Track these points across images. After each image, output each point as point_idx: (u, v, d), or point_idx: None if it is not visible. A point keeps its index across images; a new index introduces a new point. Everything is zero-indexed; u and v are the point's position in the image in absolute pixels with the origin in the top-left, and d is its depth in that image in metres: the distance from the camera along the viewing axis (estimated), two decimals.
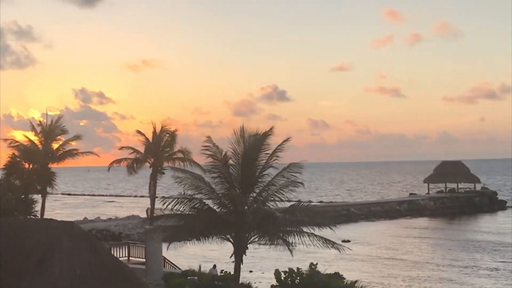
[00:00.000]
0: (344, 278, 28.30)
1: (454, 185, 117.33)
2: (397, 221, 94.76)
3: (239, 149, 27.64)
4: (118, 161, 54.88)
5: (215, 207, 27.69)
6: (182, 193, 27.29)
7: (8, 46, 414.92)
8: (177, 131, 54.80)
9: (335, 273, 28.43)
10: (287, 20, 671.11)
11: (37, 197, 45.56)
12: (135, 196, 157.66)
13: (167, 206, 26.77)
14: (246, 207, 27.37)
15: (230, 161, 27.72)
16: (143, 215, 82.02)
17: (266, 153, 27.69)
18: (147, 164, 54.18)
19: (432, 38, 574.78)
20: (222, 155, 27.53)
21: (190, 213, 27.35)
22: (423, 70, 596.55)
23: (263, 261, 54.78)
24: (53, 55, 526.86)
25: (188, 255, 54.80)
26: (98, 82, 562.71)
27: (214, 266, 39.09)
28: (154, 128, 54.30)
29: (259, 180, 27.85)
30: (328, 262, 50.59)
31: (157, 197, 50.17)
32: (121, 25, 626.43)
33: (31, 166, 48.82)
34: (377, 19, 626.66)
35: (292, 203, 28.22)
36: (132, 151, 54.59)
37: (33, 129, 51.11)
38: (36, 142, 50.58)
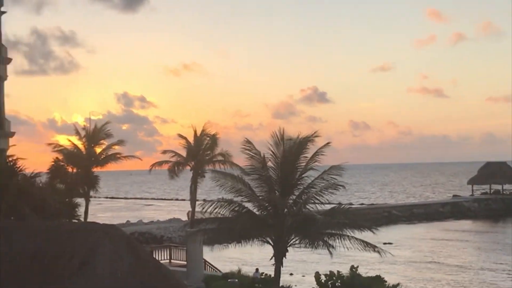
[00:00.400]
0: (386, 281, 28.02)
1: (499, 187, 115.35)
2: (439, 223, 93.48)
3: (278, 151, 27.61)
4: (160, 163, 55.30)
5: (254, 210, 27.70)
6: (222, 197, 27.39)
7: (52, 51, 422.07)
8: (218, 134, 55.04)
9: (376, 276, 28.16)
10: (327, 21, 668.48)
11: (81, 200, 46.21)
12: (176, 199, 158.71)
13: (207, 209, 26.88)
14: (285, 209, 27.31)
15: (270, 164, 27.70)
16: (184, 218, 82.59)
17: (305, 156, 27.61)
18: (188, 167, 54.48)
19: (475, 37, 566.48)
20: (263, 156, 27.52)
21: (230, 216, 27.42)
22: (467, 70, 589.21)
23: (304, 264, 54.61)
24: (95, 60, 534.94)
25: (228, 258, 54.96)
26: (140, 86, 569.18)
27: (257, 269, 39.11)
28: (195, 132, 54.64)
29: (299, 182, 27.77)
30: (369, 265, 50.17)
31: (197, 200, 50.46)
32: (162, 29, 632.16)
33: (74, 170, 49.53)
34: (419, 19, 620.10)
35: (332, 205, 28.08)
36: (174, 154, 54.98)
37: (77, 133, 51.99)
38: (80, 146, 51.40)
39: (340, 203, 30.53)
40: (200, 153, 53.88)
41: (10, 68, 36.21)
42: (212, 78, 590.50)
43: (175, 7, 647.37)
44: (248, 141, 27.78)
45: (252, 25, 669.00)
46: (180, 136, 55.48)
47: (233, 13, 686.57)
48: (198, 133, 54.53)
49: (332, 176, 27.32)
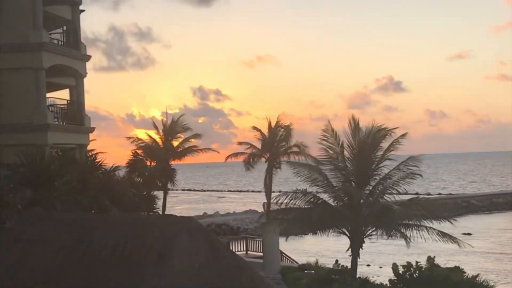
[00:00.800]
0: (465, 272, 27.35)
1: None
2: None
3: (354, 141, 27.37)
4: (235, 154, 55.61)
5: (330, 201, 27.58)
6: (297, 188, 27.39)
7: (129, 48, 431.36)
8: (292, 126, 54.78)
9: (455, 267, 27.49)
10: (401, 9, 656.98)
11: (159, 193, 46.93)
12: (252, 191, 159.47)
13: (283, 200, 26.93)
14: (362, 200, 27.09)
15: (346, 154, 27.51)
16: (260, 209, 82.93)
17: (381, 146, 27.29)
18: (263, 159, 54.57)
19: None
20: (339, 145, 27.33)
21: (305, 207, 27.39)
22: None
23: (381, 256, 53.96)
24: (171, 55, 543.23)
25: (305, 250, 54.86)
26: (215, 79, 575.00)
27: (336, 261, 38.90)
28: (269, 123, 54.57)
29: (375, 173, 27.49)
30: (447, 256, 49.12)
31: (273, 191, 50.51)
32: (235, 22, 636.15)
33: (152, 163, 50.30)
34: (496, 4, 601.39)
35: (409, 196, 27.69)
36: (249, 146, 55.13)
37: (154, 127, 52.79)
38: (158, 140, 52.13)
39: (417, 194, 30.05)
40: (275, 144, 53.83)
41: (89, 65, 37.15)
42: (286, 69, 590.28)
43: (249, 0, 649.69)
44: (327, 129, 27.59)
45: (326, 15, 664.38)
46: (255, 128, 55.59)
47: (306, 3, 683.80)
48: (273, 124, 54.45)
49: (408, 167, 26.93)
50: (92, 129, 35.63)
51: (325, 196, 27.66)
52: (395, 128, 27.24)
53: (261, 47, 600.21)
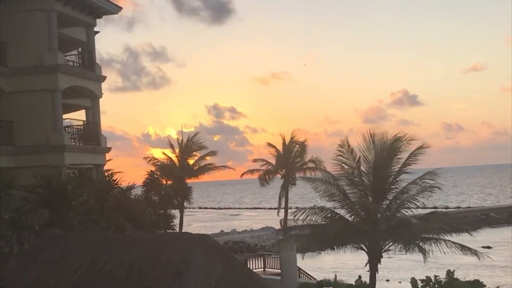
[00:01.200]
0: (485, 286, 27.04)
1: None
2: None
3: (370, 156, 27.24)
4: (251, 171, 55.73)
5: (347, 216, 27.41)
6: (314, 204, 27.28)
7: (144, 67, 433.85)
8: (307, 142, 54.92)
9: (475, 280, 27.18)
10: (416, 22, 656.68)
11: (175, 212, 46.94)
12: (270, 208, 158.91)
13: (299, 216, 26.80)
14: (379, 215, 26.89)
15: (362, 168, 27.38)
16: (277, 226, 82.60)
17: (398, 159, 27.13)
18: (279, 175, 54.57)
19: None
20: (356, 160, 27.22)
21: (322, 223, 27.24)
22: None
23: (399, 271, 53.48)
24: (186, 74, 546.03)
25: (322, 266, 54.50)
26: (230, 97, 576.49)
27: (359, 277, 38.63)
28: (284, 140, 54.70)
29: (392, 187, 27.30)
30: (466, 270, 48.57)
31: (290, 208, 50.44)
32: (249, 39, 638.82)
33: (169, 182, 50.45)
34: (511, 16, 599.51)
35: (428, 209, 27.45)
36: (264, 163, 55.25)
37: (170, 146, 52.96)
38: (174, 158, 52.26)
39: (436, 207, 29.83)
40: (290, 160, 53.87)
41: (104, 85, 37.31)
42: (300, 85, 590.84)
43: (262, 17, 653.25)
44: (343, 144, 27.51)
45: (339, 30, 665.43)
46: (270, 144, 55.75)
47: (319, 19, 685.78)
48: (287, 141, 54.56)
49: (425, 181, 26.75)
50: (108, 149, 35.76)
51: (342, 212, 27.50)
52: (411, 140, 27.06)
53: (275, 63, 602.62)
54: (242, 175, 56.66)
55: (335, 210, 27.22)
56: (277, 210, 59.11)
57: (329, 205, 27.94)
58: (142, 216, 26.68)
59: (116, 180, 29.60)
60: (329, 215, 27.00)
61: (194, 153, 52.90)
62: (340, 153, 27.68)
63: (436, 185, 26.35)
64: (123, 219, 24.87)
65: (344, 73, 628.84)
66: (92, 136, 34.32)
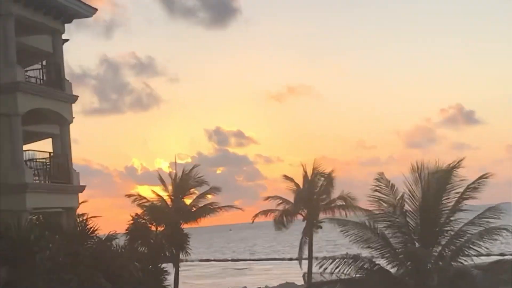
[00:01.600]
0: None
1: None
2: None
3: (417, 190, 27.10)
4: (264, 212, 55.32)
5: (388, 267, 27.19)
6: (346, 253, 27.05)
7: (127, 83, 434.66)
8: (335, 173, 54.55)
9: None
10: (469, 25, 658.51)
11: (168, 266, 46.55)
12: (289, 259, 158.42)
13: (327, 266, 26.60)
14: (429, 265, 26.71)
15: (407, 206, 27.23)
16: (300, 282, 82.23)
17: (455, 192, 26.95)
18: (300, 217, 54.24)
19: None
20: (397, 198, 27.05)
21: (357, 276, 27.04)
22: None
23: None
24: (179, 90, 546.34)
25: None
26: (236, 119, 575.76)
27: None
28: (305, 171, 54.41)
29: (445, 228, 27.12)
30: None
31: (315, 258, 50.04)
32: (258, 46, 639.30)
33: (159, 228, 50.03)
34: None
35: (492, 257, 27.20)
36: (281, 201, 54.89)
37: (161, 182, 52.50)
38: (166, 197, 51.89)
39: (502, 254, 29.59)
40: (314, 197, 53.58)
41: (76, 107, 37.35)
42: (325, 102, 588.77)
43: (274, 18, 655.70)
44: (381, 178, 27.35)
45: (372, 33, 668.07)
46: (287, 177, 55.41)
47: (347, 19, 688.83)
48: (310, 173, 54.29)
49: (487, 220, 26.53)
50: (82, 188, 35.69)
51: (382, 262, 27.28)
52: (458, 164, 26.90)
53: (293, 75, 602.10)
54: (254, 218, 56.24)
55: (373, 260, 26.98)
56: (298, 261, 58.52)
57: (364, 253, 27.76)
58: (126, 273, 26.54)
59: (92, 227, 29.46)
60: (365, 266, 26.80)
61: (192, 190, 52.54)
62: (378, 187, 27.55)
63: (503, 226, 26.13)
64: (101, 278, 24.75)
65: (380, 87, 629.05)
66: (61, 171, 34.32)
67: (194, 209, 52.48)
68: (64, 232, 28.70)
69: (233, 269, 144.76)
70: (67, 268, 24.48)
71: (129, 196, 51.86)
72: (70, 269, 24.44)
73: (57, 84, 34.85)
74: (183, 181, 51.98)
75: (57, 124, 35.54)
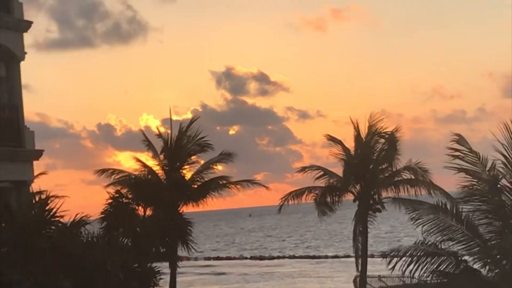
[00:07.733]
0: None
1: None
2: None
3: None
4: (297, 194, 55.07)
5: (478, 266, 27.23)
6: (419, 240, 27.11)
7: (99, 3, 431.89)
8: (400, 133, 54.31)
9: None
10: None
11: (162, 266, 46.56)
12: (336, 256, 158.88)
13: (391, 266, 26.71)
14: None
15: (504, 181, 27.20)
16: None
17: None
18: (351, 196, 54.12)
19: None
20: (487, 168, 26.99)
21: (434, 280, 27.12)
22: None
23: None
24: (175, 13, 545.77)
25: None
26: (255, 55, 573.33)
27: None
28: (358, 130, 54.15)
29: None
30: None
31: (372, 256, 50.13)
32: None
33: (148, 212, 50.03)
34: None
35: None
36: (322, 173, 54.66)
37: (149, 147, 52.10)
38: (156, 169, 51.63)
39: None
40: (371, 168, 53.43)
41: (29, 38, 37.37)
42: (384, 29, 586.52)
43: None
44: (460, 138, 27.27)
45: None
46: (332, 139, 55.18)
47: None
48: (364, 132, 54.10)
49: None
50: (38, 154, 35.87)
51: (469, 259, 27.32)
52: None
53: None
54: (281, 203, 55.88)
55: (459, 257, 27.06)
56: (353, 259, 57.81)
57: (443, 247, 27.78)
58: (100, 274, 26.68)
59: (53, 209, 29.60)
60: (446, 265, 26.85)
61: (193, 157, 52.03)
62: (460, 153, 27.57)
63: None
64: (64, 280, 24.90)
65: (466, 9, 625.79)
66: (8, 130, 34.44)
67: (197, 184, 52.17)
68: (13, 216, 28.86)
69: (256, 272, 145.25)
70: (15, 265, 24.70)
71: (104, 171, 51.71)
72: (21, 267, 24.67)
73: (3, 6, 34.91)
74: (180, 143, 51.29)
75: (3, 62, 35.63)
